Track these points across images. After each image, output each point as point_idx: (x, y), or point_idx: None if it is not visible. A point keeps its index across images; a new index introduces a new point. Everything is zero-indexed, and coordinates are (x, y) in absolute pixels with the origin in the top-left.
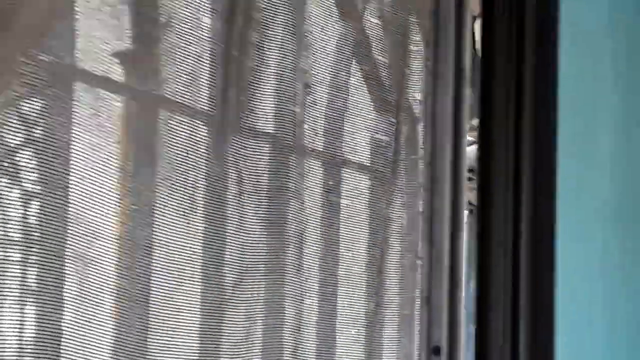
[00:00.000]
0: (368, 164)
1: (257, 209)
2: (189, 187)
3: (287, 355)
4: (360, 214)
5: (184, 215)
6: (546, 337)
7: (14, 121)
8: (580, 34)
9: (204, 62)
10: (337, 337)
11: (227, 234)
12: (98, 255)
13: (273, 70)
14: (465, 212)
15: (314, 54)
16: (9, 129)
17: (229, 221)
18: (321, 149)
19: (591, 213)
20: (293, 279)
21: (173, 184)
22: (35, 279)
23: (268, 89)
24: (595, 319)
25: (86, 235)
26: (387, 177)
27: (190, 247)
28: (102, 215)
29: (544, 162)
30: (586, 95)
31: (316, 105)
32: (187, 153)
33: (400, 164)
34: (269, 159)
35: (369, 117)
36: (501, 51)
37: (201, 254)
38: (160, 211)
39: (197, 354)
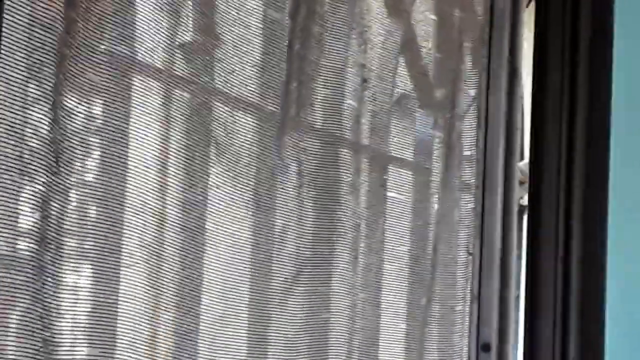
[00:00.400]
0: (421, 161)
1: (315, 203)
2: (249, 181)
3: (343, 348)
4: (412, 210)
5: (244, 209)
6: (596, 337)
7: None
8: (637, 29)
9: (268, 55)
10: (389, 331)
11: (286, 227)
12: (159, 246)
13: (333, 65)
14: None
15: (371, 48)
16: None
17: (288, 215)
18: (375, 145)
19: None
20: (349, 272)
21: (234, 178)
22: (92, 272)
23: (328, 83)
24: None
25: (147, 227)
26: (439, 173)
27: (250, 241)
28: (162, 208)
29: (596, 163)
30: None
31: (373, 100)
32: (249, 147)
33: (454, 161)
34: (326, 153)
35: (422, 113)
36: (554, 50)
37: (260, 248)
38: (221, 205)
39: (256, 345)
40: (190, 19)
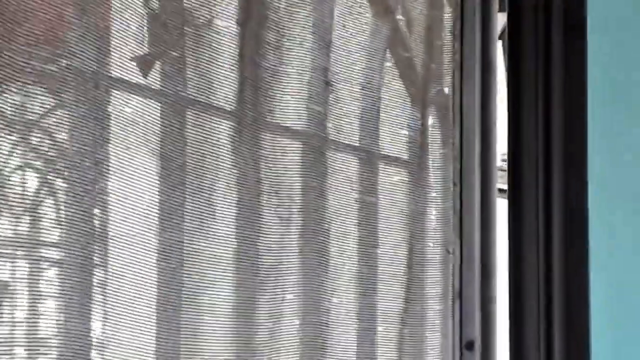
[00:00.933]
0: (396, 159)
1: (281, 207)
2: (212, 188)
3: (317, 354)
4: (388, 209)
5: (209, 216)
6: (581, 330)
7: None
8: (610, 19)
9: (219, 64)
10: (368, 334)
11: (255, 233)
12: (129, 259)
13: (292, 70)
14: None
15: (336, 51)
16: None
17: (257, 220)
18: (348, 145)
19: (627, 204)
20: (321, 277)
21: (197, 185)
22: (60, 281)
23: (288, 88)
24: (635, 313)
25: (119, 238)
26: (415, 171)
27: (219, 247)
28: (134, 218)
29: (575, 152)
30: (618, 81)
31: (339, 102)
32: (212, 153)
33: (428, 159)
34: (293, 158)
35: (397, 112)
36: (528, 40)
37: (231, 251)
38: (188, 213)
39: (226, 352)
40: (145, 29)
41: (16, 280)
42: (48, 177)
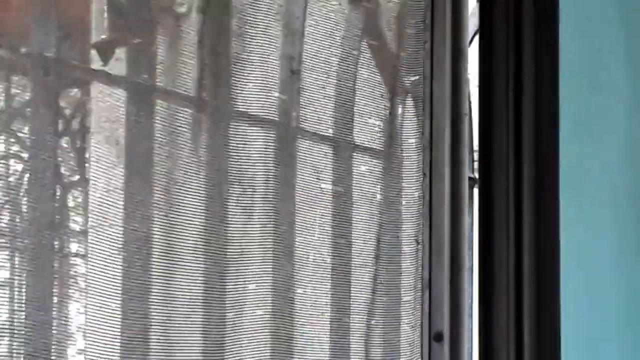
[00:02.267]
0: (366, 149)
1: (243, 196)
2: (172, 177)
3: (282, 346)
4: (357, 199)
5: (170, 205)
6: (551, 322)
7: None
8: (583, 7)
9: (180, 52)
10: (335, 325)
11: (217, 222)
12: (96, 249)
13: (256, 57)
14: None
15: (304, 39)
16: None
17: (219, 210)
18: (315, 134)
19: (600, 196)
20: (285, 267)
21: (158, 173)
22: (26, 270)
23: (251, 76)
24: (605, 304)
25: (86, 227)
26: (384, 161)
27: (180, 237)
28: (98, 207)
29: (546, 141)
30: (591, 71)
31: (306, 91)
32: (172, 141)
33: (398, 148)
34: (256, 146)
35: (366, 101)
36: (500, 29)
37: (193, 241)
38: (150, 202)
39: (190, 344)
40: (105, 17)
41: None
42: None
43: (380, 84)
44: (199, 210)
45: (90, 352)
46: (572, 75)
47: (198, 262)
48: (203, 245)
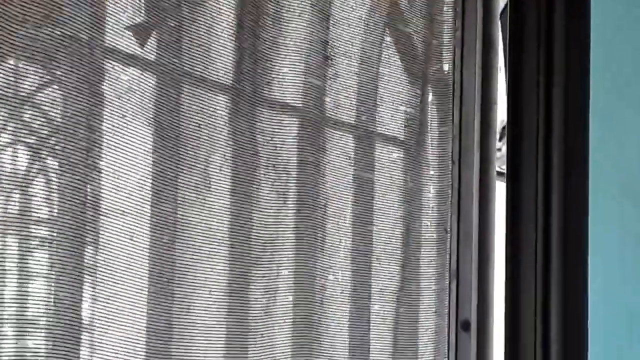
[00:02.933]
0: (395, 137)
1: (278, 181)
2: (207, 161)
3: (310, 331)
4: (386, 187)
5: (205, 190)
6: (578, 312)
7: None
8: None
9: (218, 34)
10: (363, 312)
11: (251, 207)
12: (123, 232)
13: (291, 42)
14: None
15: (336, 25)
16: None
17: (253, 195)
18: (346, 122)
19: (629, 191)
20: (317, 253)
21: (192, 158)
22: (53, 258)
23: (286, 60)
24: (633, 300)
25: (112, 212)
26: (413, 149)
27: (214, 222)
28: (129, 192)
29: (576, 133)
30: (621, 63)
31: (338, 77)
32: (208, 126)
33: (427, 137)
34: (290, 132)
35: (396, 89)
36: (530, 18)
37: (227, 225)
38: (182, 186)
39: (219, 331)
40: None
41: (6, 258)
42: (40, 153)
43: (411, 72)
44: (234, 195)
45: (119, 334)
46: (603, 66)
47: (233, 246)
48: (238, 229)
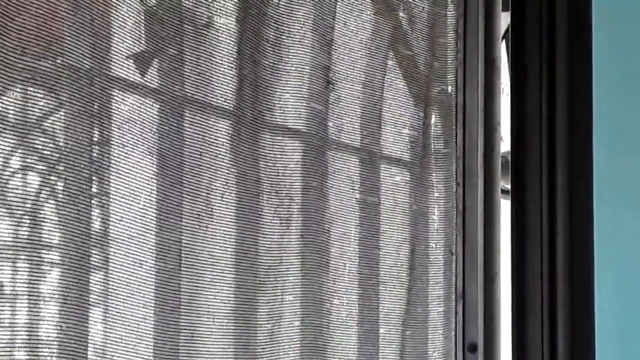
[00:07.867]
0: (399, 159)
1: (281, 207)
2: (209, 188)
3: (317, 356)
4: (390, 210)
5: (207, 216)
6: (585, 333)
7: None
8: (617, 12)
9: (218, 61)
10: (370, 336)
11: (254, 233)
12: (127, 258)
13: (292, 68)
14: None
15: (337, 49)
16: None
17: (256, 220)
18: (349, 145)
19: (633, 204)
20: (322, 278)
21: (195, 185)
22: (60, 283)
23: (287, 86)
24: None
25: (117, 239)
26: (417, 171)
27: (217, 249)
28: (132, 218)
29: (579, 152)
30: (624, 81)
31: (341, 101)
32: (210, 153)
33: (431, 159)
34: (293, 157)
35: (399, 111)
36: (532, 39)
37: (230, 252)
38: (186, 213)
39: (225, 357)
40: (141, 27)
41: (17, 282)
42: (50, 178)
43: (414, 94)
44: (237, 221)
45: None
46: (606, 85)
47: (237, 272)
48: (242, 255)
